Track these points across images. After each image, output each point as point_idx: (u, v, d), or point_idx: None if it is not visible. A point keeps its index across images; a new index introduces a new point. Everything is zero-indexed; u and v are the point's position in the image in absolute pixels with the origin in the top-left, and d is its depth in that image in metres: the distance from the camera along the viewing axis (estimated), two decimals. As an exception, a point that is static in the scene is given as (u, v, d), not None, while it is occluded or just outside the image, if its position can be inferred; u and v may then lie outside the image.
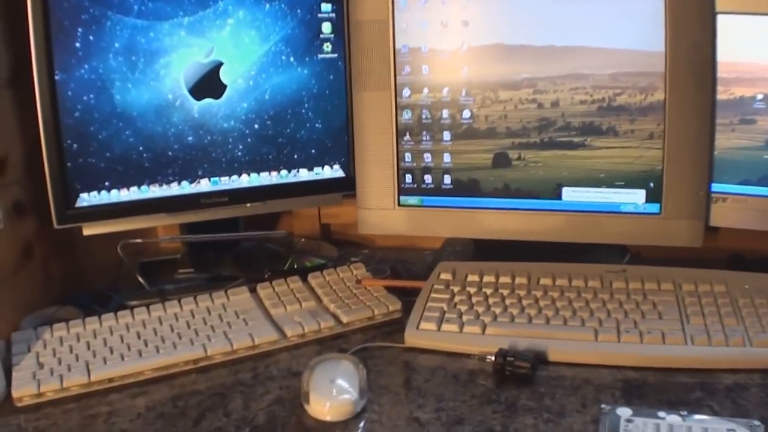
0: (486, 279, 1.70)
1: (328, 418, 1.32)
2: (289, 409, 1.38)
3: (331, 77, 1.91)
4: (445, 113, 1.79)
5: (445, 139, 1.81)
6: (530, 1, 1.70)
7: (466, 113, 1.78)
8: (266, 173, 1.91)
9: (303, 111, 1.90)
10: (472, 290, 1.67)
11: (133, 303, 1.77)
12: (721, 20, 1.62)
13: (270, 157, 1.90)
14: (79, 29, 1.69)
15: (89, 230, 1.81)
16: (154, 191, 1.83)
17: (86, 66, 1.71)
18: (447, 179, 1.83)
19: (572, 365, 1.45)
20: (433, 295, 1.67)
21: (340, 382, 1.35)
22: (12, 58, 1.75)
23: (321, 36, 1.88)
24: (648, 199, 1.72)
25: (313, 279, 1.81)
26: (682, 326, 1.48)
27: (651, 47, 1.64)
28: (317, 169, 1.95)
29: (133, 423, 1.37)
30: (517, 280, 1.68)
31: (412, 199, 1.86)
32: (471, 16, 1.74)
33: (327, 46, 1.89)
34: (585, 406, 1.32)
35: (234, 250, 2.05)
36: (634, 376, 1.40)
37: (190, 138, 1.82)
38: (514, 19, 1.72)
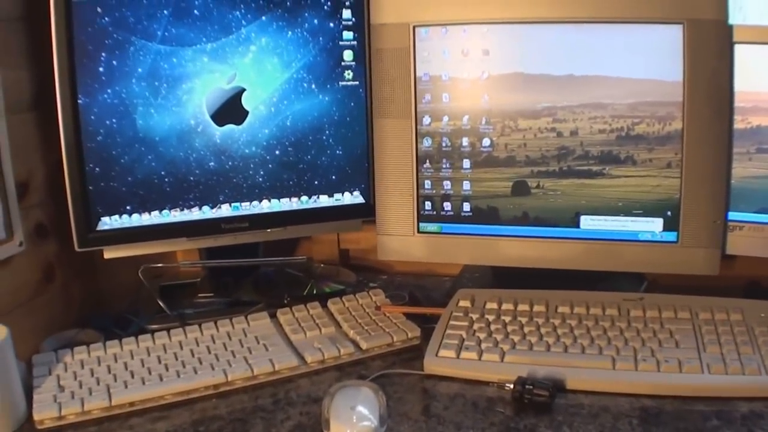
0: (505, 306, 1.71)
1: (348, 445, 1.33)
2: (310, 436, 1.38)
3: (352, 104, 1.92)
4: (465, 141, 1.80)
5: (464, 166, 1.82)
6: (550, 31, 1.71)
7: (486, 141, 1.78)
8: (287, 199, 1.92)
9: (324, 138, 1.91)
10: (491, 318, 1.67)
11: (154, 327, 1.79)
12: (739, 50, 1.62)
13: (290, 183, 1.91)
14: (103, 54, 1.71)
15: (110, 254, 1.82)
16: (175, 216, 1.84)
17: (109, 90, 1.73)
18: (466, 206, 1.83)
19: (590, 393, 1.45)
20: (452, 322, 1.67)
21: (361, 408, 1.35)
22: (36, 81, 1.77)
23: (342, 63, 1.90)
24: (665, 228, 1.72)
25: (333, 305, 1.82)
26: (698, 355, 1.49)
27: (669, 77, 1.65)
28: (337, 195, 1.96)
29: (154, 447, 1.38)
30: (536, 308, 1.68)
31: (432, 226, 1.87)
32: (491, 46, 1.75)
33: (348, 74, 1.90)
34: (603, 434, 1.33)
35: (254, 275, 2.06)
36: (651, 405, 1.40)
37: (211, 163, 1.84)
38: (534, 48, 1.73)
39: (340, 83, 1.90)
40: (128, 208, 1.80)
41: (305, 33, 1.85)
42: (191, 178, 1.83)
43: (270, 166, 1.89)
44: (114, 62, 1.72)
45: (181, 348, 1.64)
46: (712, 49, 1.63)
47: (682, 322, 1.60)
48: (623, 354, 1.50)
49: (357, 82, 1.91)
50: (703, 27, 1.62)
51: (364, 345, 1.65)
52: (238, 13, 1.79)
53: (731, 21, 1.62)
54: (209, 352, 1.63)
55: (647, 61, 1.67)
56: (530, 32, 1.73)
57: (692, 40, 1.62)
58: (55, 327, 1.78)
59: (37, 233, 1.78)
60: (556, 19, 1.70)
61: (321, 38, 1.87)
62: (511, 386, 1.44)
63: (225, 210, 1.88)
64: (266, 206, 1.91)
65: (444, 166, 1.83)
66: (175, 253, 2.13)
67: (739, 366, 1.44)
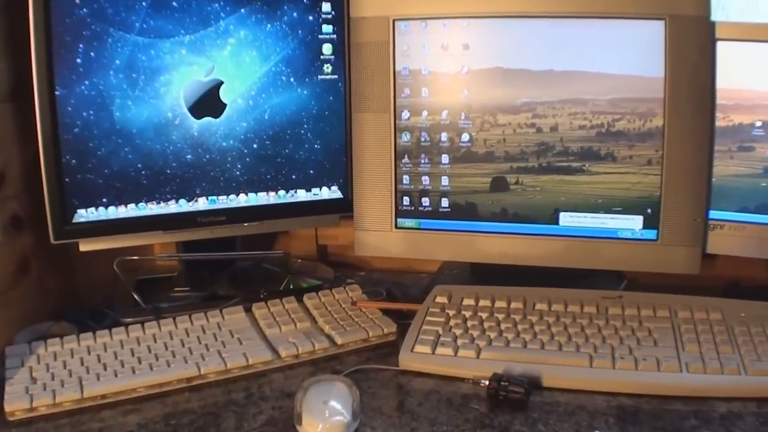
0: (482, 303, 1.70)
1: (320, 440, 1.32)
2: (282, 430, 1.37)
3: (331, 98, 1.91)
4: (444, 136, 1.79)
5: (443, 162, 1.81)
6: (531, 25, 1.70)
7: (465, 137, 1.78)
8: (264, 193, 1.91)
9: (302, 132, 1.90)
10: (468, 314, 1.66)
11: (128, 320, 1.77)
12: (721, 47, 1.62)
13: (268, 177, 1.90)
14: (81, 45, 1.70)
15: (86, 246, 1.80)
16: (152, 209, 1.83)
17: (87, 82, 1.71)
18: (445, 202, 1.83)
19: (567, 391, 1.44)
20: (428, 318, 1.66)
21: (333, 403, 1.34)
22: (13, 72, 1.75)
23: (322, 57, 1.89)
24: (645, 225, 1.72)
25: (309, 300, 1.81)
26: (677, 353, 1.48)
27: (650, 73, 1.65)
28: (315, 190, 1.95)
29: (125, 440, 1.37)
30: (513, 305, 1.68)
31: (410, 222, 1.86)
32: (471, 40, 1.74)
33: (327, 68, 1.89)
34: (578, 432, 1.32)
35: (230, 270, 2.05)
36: (628, 403, 1.40)
37: (188, 156, 1.83)
38: (515, 43, 1.72)
39: (318, 77, 1.89)
40: (104, 200, 1.79)
41: (284, 26, 1.84)
42: (168, 171, 1.82)
43: (247, 159, 1.87)
44: (92, 53, 1.71)
45: (155, 341, 1.63)
46: (693, 46, 1.63)
47: (661, 320, 1.60)
48: (601, 352, 1.50)
49: (336, 76, 1.90)
50: (684, 23, 1.62)
51: (339, 340, 1.64)
52: (216, 5, 1.78)
53: (713, 18, 1.62)
54: (183, 346, 1.61)
55: (628, 56, 1.67)
56: (511, 27, 1.72)
57: (674, 36, 1.62)
58: (29, 319, 1.77)
59: (13, 225, 1.76)
60: (537, 13, 1.69)
61: (300, 31, 1.86)
62: (487, 383, 1.42)
63: (202, 203, 1.87)
64: (243, 200, 1.90)
65: (423, 161, 1.82)
66: (152, 246, 2.11)
67: (718, 365, 1.44)
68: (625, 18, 1.65)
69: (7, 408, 1.42)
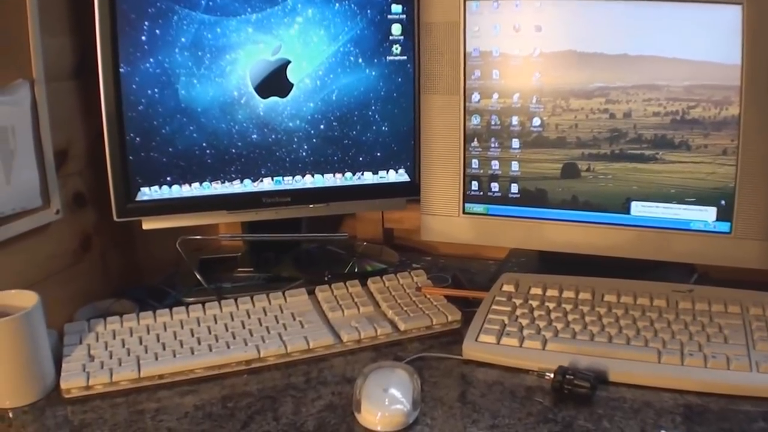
0: (549, 293, 1.67)
1: (378, 428, 1.30)
2: (340, 417, 1.35)
3: (400, 80, 1.88)
4: (515, 120, 1.76)
5: (513, 146, 1.77)
6: (605, 8, 1.66)
7: (536, 121, 1.74)
8: (330, 175, 1.89)
9: (370, 113, 1.88)
10: (535, 303, 1.63)
11: (190, 300, 1.77)
12: (803, 33, 1.56)
13: (335, 158, 1.88)
14: (146, 22, 1.69)
15: (149, 224, 1.81)
16: (216, 188, 1.82)
17: (151, 60, 1.71)
18: (514, 188, 1.79)
19: (633, 387, 1.40)
20: (494, 307, 1.63)
21: (393, 391, 1.32)
22: (77, 49, 1.76)
23: (390, 37, 1.86)
24: (719, 217, 1.66)
25: (373, 284, 1.79)
26: (747, 352, 1.43)
27: (727, 60, 1.59)
28: (382, 173, 1.92)
29: (180, 422, 1.36)
30: (581, 296, 1.64)
31: (478, 207, 1.83)
32: (544, 22, 1.70)
33: (396, 48, 1.87)
34: (644, 430, 1.28)
35: (295, 251, 2.03)
36: (696, 402, 1.35)
37: (254, 136, 1.81)
38: (588, 26, 1.68)
39: (387, 58, 1.87)
40: (168, 179, 1.79)
41: (353, 5, 1.81)
42: (233, 151, 1.81)
43: (314, 140, 1.86)
44: (157, 31, 1.70)
45: (216, 322, 1.63)
46: (773, 32, 1.57)
47: (732, 316, 1.55)
48: (669, 347, 1.45)
49: (405, 57, 1.88)
50: (763, 8, 1.55)
51: (402, 326, 1.62)
52: (284, -17, 1.77)
53: (795, 2, 1.56)
54: (243, 327, 1.60)
55: (704, 42, 1.61)
56: (584, 9, 1.68)
57: (751, 21, 1.56)
58: (90, 296, 1.78)
59: (75, 202, 1.78)
60: (612, -4, 1.65)
61: (369, 11, 1.83)
62: (552, 376, 1.39)
63: (267, 184, 1.86)
64: (309, 181, 1.88)
65: (492, 145, 1.79)
66: (216, 226, 2.11)
67: (789, 365, 1.39)
68: (701, 2, 1.59)
69: (64, 385, 1.43)
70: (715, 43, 1.60)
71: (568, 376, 1.37)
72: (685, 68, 1.62)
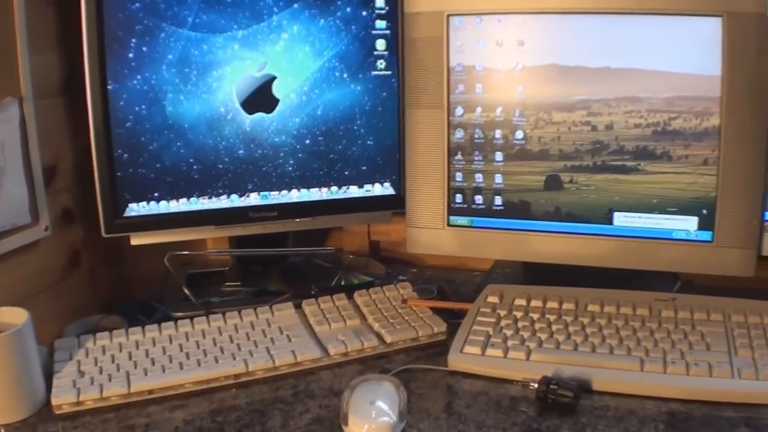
0: (533, 303, 1.69)
1: (366, 440, 1.31)
2: (328, 429, 1.37)
3: (384, 94, 1.90)
4: (498, 133, 1.78)
5: (497, 159, 1.79)
6: (586, 22, 1.68)
7: (519, 134, 1.76)
8: (316, 189, 1.91)
9: (355, 128, 1.89)
10: (519, 314, 1.65)
11: (178, 315, 1.79)
12: (781, 45, 1.59)
13: (321, 172, 1.90)
14: (133, 40, 1.71)
15: (137, 240, 1.82)
16: (203, 203, 1.83)
17: (139, 76, 1.72)
18: (498, 200, 1.81)
19: (617, 395, 1.42)
20: (479, 318, 1.65)
21: (380, 404, 1.34)
22: (65, 66, 1.78)
23: (375, 53, 1.88)
24: (700, 227, 1.69)
25: (359, 297, 1.81)
26: (729, 359, 1.45)
27: (707, 71, 1.61)
28: (367, 186, 1.94)
29: (170, 436, 1.37)
30: (565, 306, 1.66)
31: (462, 220, 1.84)
32: (526, 36, 1.72)
33: (381, 63, 1.88)
34: (628, 438, 1.30)
35: (281, 265, 2.05)
36: (679, 409, 1.37)
37: (240, 151, 1.83)
38: (570, 40, 1.70)
39: (372, 73, 1.88)
40: (156, 194, 1.80)
41: (338, 21, 1.83)
42: (220, 166, 1.82)
43: (300, 155, 1.87)
44: (144, 48, 1.72)
45: (204, 336, 1.64)
46: (752, 43, 1.58)
47: (714, 324, 1.57)
48: (652, 355, 1.48)
49: (389, 72, 1.89)
50: (742, 20, 1.58)
51: (388, 338, 1.63)
52: (269, 0, 1.78)
53: (773, 14, 1.58)
54: (231, 342, 1.62)
55: (685, 54, 1.63)
56: (566, 23, 1.70)
57: (731, 33, 1.58)
58: (79, 312, 1.79)
59: (64, 218, 1.79)
60: (593, 10, 1.67)
61: (353, 27, 1.85)
62: (536, 385, 1.41)
63: (254, 199, 1.87)
64: (295, 196, 1.89)
65: (476, 158, 1.80)
66: (203, 241, 2.12)
67: (771, 371, 1.41)
68: (682, 15, 1.61)
69: (54, 401, 1.43)
70: (695, 55, 1.62)
71: (552, 386, 1.39)
72: (665, 80, 1.65)
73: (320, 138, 1.88)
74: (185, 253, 1.93)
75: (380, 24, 1.87)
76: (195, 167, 1.80)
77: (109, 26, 1.68)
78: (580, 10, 1.67)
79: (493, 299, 1.72)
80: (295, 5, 1.79)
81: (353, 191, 1.93)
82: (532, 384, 1.42)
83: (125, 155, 1.74)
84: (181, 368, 1.52)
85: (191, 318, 1.69)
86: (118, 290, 1.95)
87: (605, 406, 1.39)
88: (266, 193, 1.87)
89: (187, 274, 1.98)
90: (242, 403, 1.46)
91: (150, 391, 1.47)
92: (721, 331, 1.54)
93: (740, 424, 1.32)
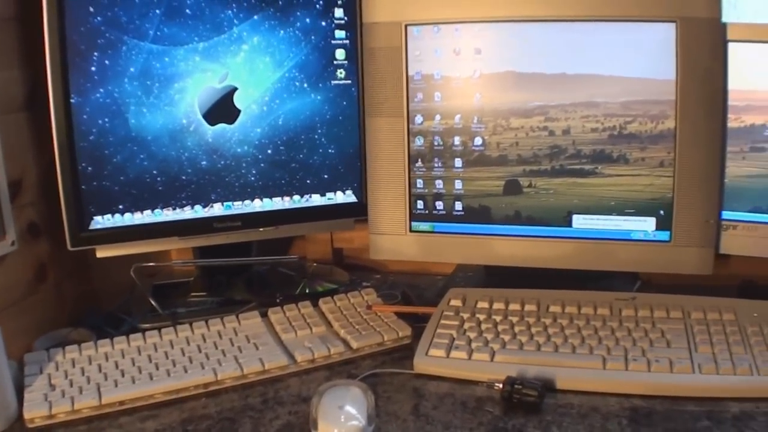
0: (496, 306, 1.71)
1: (336, 445, 1.33)
2: (299, 435, 1.38)
3: (345, 103, 1.92)
4: (457, 140, 1.81)
5: (456, 165, 1.82)
6: (542, 29, 1.71)
7: (478, 140, 1.79)
8: (279, 198, 1.92)
9: (316, 137, 1.91)
10: (482, 317, 1.67)
11: (145, 326, 1.79)
12: (732, 48, 1.63)
13: (283, 182, 1.92)
14: (95, 53, 1.72)
15: (102, 253, 1.82)
16: (168, 215, 1.85)
17: (102, 90, 1.73)
18: (458, 206, 1.84)
19: (580, 393, 1.45)
20: (442, 321, 1.67)
21: (349, 408, 1.35)
22: (28, 81, 1.78)
23: (335, 62, 1.90)
24: (658, 227, 1.72)
25: (324, 304, 1.82)
26: (690, 355, 1.49)
27: (662, 75, 1.65)
28: (330, 195, 1.96)
29: (143, 446, 1.38)
30: (527, 308, 1.69)
31: (424, 225, 1.87)
32: (483, 44, 1.75)
33: (340, 73, 1.91)
34: (592, 434, 1.33)
35: (246, 274, 2.06)
36: (641, 405, 1.40)
37: (203, 162, 1.84)
38: (527, 47, 1.73)
39: (332, 82, 1.91)
40: (121, 207, 1.81)
41: (297, 32, 1.85)
42: (183, 177, 1.84)
43: (262, 165, 1.89)
44: (106, 61, 1.73)
45: (172, 347, 1.65)
46: (705, 48, 1.63)
47: (673, 321, 1.60)
48: (614, 354, 1.50)
49: (349, 81, 1.92)
50: (696, 25, 1.62)
51: (354, 344, 1.65)
52: (230, 12, 1.80)
53: (725, 19, 1.62)
54: (200, 351, 1.63)
55: (640, 59, 1.67)
56: (522, 31, 1.73)
57: (685, 38, 1.63)
58: (47, 326, 1.79)
59: (30, 232, 1.79)
60: (549, 17, 1.70)
61: (313, 37, 1.87)
62: (501, 386, 1.43)
63: (217, 209, 1.88)
64: (258, 205, 1.91)
65: (436, 165, 1.83)
66: (168, 252, 2.13)
67: (730, 366, 1.44)
68: (636, 21, 1.66)
69: (27, 415, 1.44)
70: (650, 59, 1.67)
71: (516, 386, 1.42)
72: (621, 85, 1.68)
73: (282, 148, 1.89)
74: (151, 264, 1.94)
75: (339, 34, 1.89)
76: (159, 179, 1.82)
77: (72, 40, 1.69)
78: (535, 18, 1.71)
79: (456, 303, 1.74)
80: (255, 17, 1.81)
81: (316, 200, 1.95)
82: (496, 384, 1.44)
83: (89, 168, 1.75)
84: (151, 379, 1.53)
85: (159, 329, 1.70)
86: (84, 303, 1.94)
87: (569, 404, 1.42)
88: (230, 203, 1.89)
89: (153, 285, 1.99)
90: (213, 412, 1.47)
91: (121, 403, 1.48)
92: (680, 328, 1.57)
93: (702, 417, 1.35)
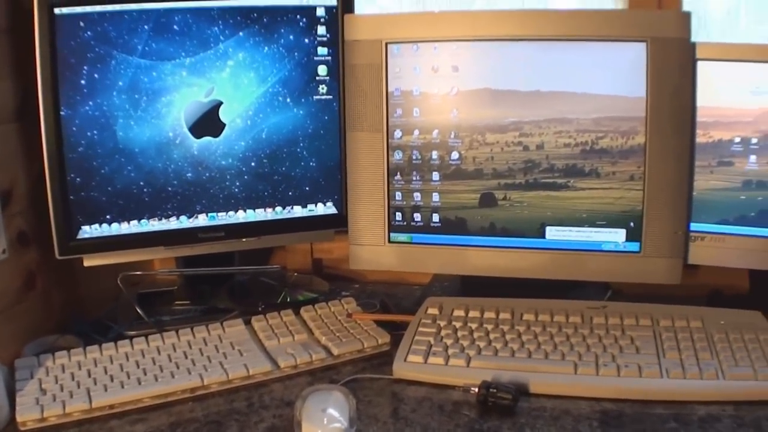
0: (471, 314, 1.76)
1: (319, 446, 1.37)
2: (283, 437, 1.42)
3: (326, 118, 1.96)
4: (435, 154, 1.85)
5: (434, 179, 1.86)
6: (518, 48, 1.76)
7: (455, 155, 1.83)
8: (261, 209, 1.96)
9: (298, 150, 1.95)
10: (458, 325, 1.72)
11: (132, 333, 1.82)
12: (701, 67, 1.69)
13: (266, 193, 1.95)
14: (85, 67, 1.75)
15: (90, 261, 1.86)
16: (154, 225, 1.88)
17: (91, 103, 1.77)
18: (435, 217, 1.88)
19: (552, 397, 1.50)
20: (420, 329, 1.72)
21: (331, 411, 1.38)
22: (19, 92, 1.80)
23: (317, 78, 1.94)
24: (628, 238, 1.77)
25: (306, 312, 1.86)
26: (658, 360, 1.54)
27: (633, 93, 1.71)
28: (311, 206, 2.00)
29: (132, 449, 1.42)
30: (501, 316, 1.73)
31: (402, 236, 1.91)
32: (461, 62, 1.79)
33: (322, 88, 1.94)
34: (564, 436, 1.38)
35: (229, 284, 2.09)
36: (611, 408, 1.45)
37: (189, 174, 1.88)
38: (502, 65, 1.77)
39: (314, 97, 1.94)
40: (108, 217, 1.84)
41: (281, 48, 1.89)
42: (169, 189, 1.87)
43: (246, 177, 1.92)
44: (95, 75, 1.77)
45: (159, 353, 1.68)
46: (674, 66, 1.68)
47: (643, 329, 1.65)
48: (585, 359, 1.56)
49: (331, 96, 1.95)
50: (666, 45, 1.67)
51: (335, 351, 1.69)
52: (216, 28, 1.83)
53: (694, 38, 1.68)
54: (186, 357, 1.66)
55: (612, 77, 1.72)
56: (498, 50, 1.77)
57: (655, 57, 1.68)
58: (35, 333, 1.81)
59: (19, 241, 1.80)
60: (524, 36, 1.75)
61: (296, 53, 1.91)
62: (476, 390, 1.48)
63: (202, 220, 1.92)
64: (242, 216, 1.95)
65: (414, 178, 1.87)
66: (153, 261, 2.16)
67: (697, 371, 1.50)
68: (608, 41, 1.71)
69: (19, 418, 1.47)
70: (621, 78, 1.72)
71: (491, 390, 1.46)
72: (593, 102, 1.73)
73: (265, 160, 1.93)
74: (137, 273, 1.98)
75: (322, 51, 1.93)
76: (145, 190, 1.85)
77: (62, 54, 1.73)
78: (511, 37, 1.75)
79: (433, 311, 1.79)
80: (241, 33, 1.85)
81: (297, 211, 1.99)
82: (472, 389, 1.49)
83: (78, 179, 1.79)
84: (140, 384, 1.57)
85: (146, 336, 1.73)
86: (72, 310, 1.96)
87: (542, 407, 1.47)
88: (214, 214, 1.93)
89: (138, 293, 2.01)
90: (199, 416, 1.51)
91: (111, 406, 1.52)
92: (649, 335, 1.63)
93: (669, 419, 1.41)
